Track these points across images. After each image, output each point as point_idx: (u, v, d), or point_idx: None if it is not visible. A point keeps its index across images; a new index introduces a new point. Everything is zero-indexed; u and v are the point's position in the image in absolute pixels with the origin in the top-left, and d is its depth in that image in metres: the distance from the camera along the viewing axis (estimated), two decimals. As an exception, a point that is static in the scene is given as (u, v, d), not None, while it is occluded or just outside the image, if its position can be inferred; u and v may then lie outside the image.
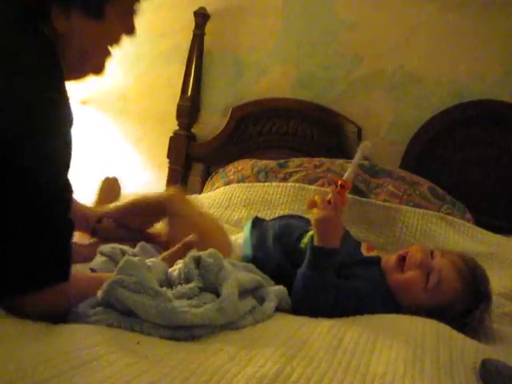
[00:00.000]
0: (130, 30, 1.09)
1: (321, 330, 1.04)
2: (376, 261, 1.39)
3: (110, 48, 1.09)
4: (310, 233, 1.31)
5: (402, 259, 1.36)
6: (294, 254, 1.36)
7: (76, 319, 0.95)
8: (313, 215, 1.30)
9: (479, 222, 2.09)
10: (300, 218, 1.62)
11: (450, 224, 1.94)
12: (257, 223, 1.55)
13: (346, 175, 1.39)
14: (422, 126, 2.41)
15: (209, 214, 1.42)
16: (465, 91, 2.38)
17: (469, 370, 0.99)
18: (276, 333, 1.00)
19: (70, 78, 1.04)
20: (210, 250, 1.12)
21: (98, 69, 1.10)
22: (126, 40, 1.10)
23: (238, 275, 1.10)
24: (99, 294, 0.97)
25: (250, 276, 1.17)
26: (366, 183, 2.10)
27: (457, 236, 1.86)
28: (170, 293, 0.99)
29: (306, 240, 1.35)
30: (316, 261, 1.24)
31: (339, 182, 1.34)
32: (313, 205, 1.33)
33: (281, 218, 1.66)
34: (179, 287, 1.03)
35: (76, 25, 0.99)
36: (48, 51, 0.95)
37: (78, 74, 1.09)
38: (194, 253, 1.12)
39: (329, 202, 1.31)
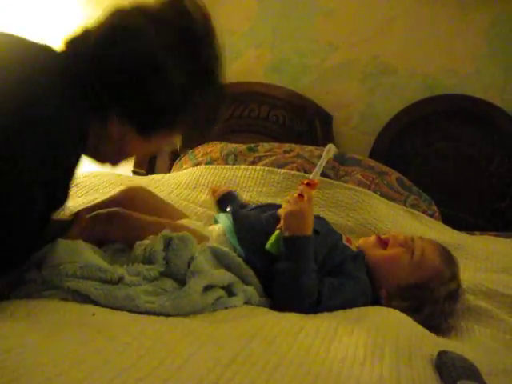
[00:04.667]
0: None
1: (283, 316, 1.03)
2: (362, 256, 1.37)
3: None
4: (276, 232, 1.27)
5: (382, 241, 1.36)
6: None
7: (29, 294, 0.93)
8: (283, 210, 1.26)
9: (444, 215, 2.11)
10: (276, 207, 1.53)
11: (416, 218, 1.96)
12: (236, 215, 1.38)
13: (312, 175, 1.37)
14: (393, 117, 2.42)
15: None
16: (437, 85, 2.40)
17: (426, 361, 0.99)
18: (237, 314, 0.99)
19: (93, 160, 1.12)
20: (184, 234, 1.08)
21: (118, 165, 1.17)
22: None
23: (214, 272, 1.06)
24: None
25: (227, 275, 1.10)
26: (334, 170, 2.10)
27: (423, 227, 1.87)
28: (123, 270, 0.97)
29: (271, 241, 1.26)
30: (289, 250, 1.20)
31: (305, 181, 1.32)
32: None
33: (260, 207, 1.55)
34: (136, 265, 1.01)
35: (126, 134, 1.06)
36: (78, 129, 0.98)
37: (100, 161, 1.14)
38: (166, 232, 1.08)
39: (299, 196, 1.28)
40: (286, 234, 1.22)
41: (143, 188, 1.50)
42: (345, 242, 1.37)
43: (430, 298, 1.28)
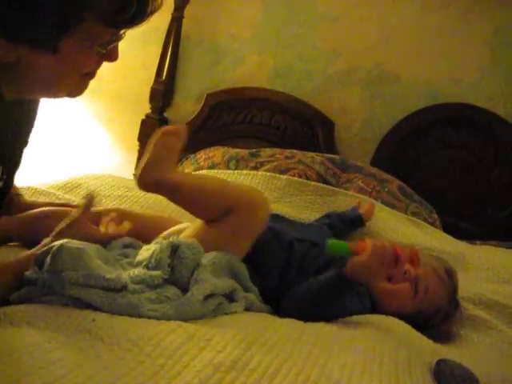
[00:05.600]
0: (109, 57, 1.01)
1: (283, 322, 1.04)
2: None
3: (83, 74, 1.02)
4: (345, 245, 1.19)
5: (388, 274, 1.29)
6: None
7: (28, 298, 0.93)
8: (365, 254, 1.13)
9: (445, 224, 2.11)
10: (281, 218, 1.50)
11: (417, 226, 1.96)
12: None
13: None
14: (396, 124, 2.42)
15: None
16: (440, 93, 2.40)
17: (426, 369, 0.99)
18: (237, 319, 0.99)
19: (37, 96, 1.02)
20: (192, 241, 1.08)
21: (73, 93, 1.04)
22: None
23: (217, 281, 1.05)
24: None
25: (229, 283, 1.09)
26: (336, 177, 2.10)
27: (424, 236, 1.87)
28: (126, 276, 0.97)
29: (338, 245, 1.20)
30: (337, 287, 1.15)
31: (410, 253, 1.23)
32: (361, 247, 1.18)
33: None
34: (141, 270, 1.01)
35: (24, 56, 0.92)
36: None
37: (47, 96, 1.05)
38: (174, 239, 1.08)
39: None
40: (347, 272, 1.14)
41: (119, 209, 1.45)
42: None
43: (426, 323, 1.29)
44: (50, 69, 0.95)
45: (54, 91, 1.03)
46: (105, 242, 1.15)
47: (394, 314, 1.25)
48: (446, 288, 1.34)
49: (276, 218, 1.45)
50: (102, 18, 0.92)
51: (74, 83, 1.02)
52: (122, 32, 0.98)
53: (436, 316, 1.31)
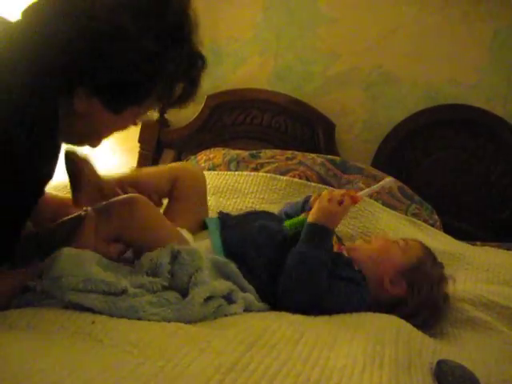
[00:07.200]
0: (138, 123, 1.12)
1: (282, 323, 1.03)
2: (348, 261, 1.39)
3: (108, 135, 1.11)
4: (302, 216, 1.33)
5: (366, 241, 1.46)
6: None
7: (28, 302, 0.93)
8: (318, 202, 1.30)
9: (446, 225, 2.11)
10: (269, 214, 1.52)
11: (417, 227, 1.96)
12: (224, 223, 1.40)
13: (361, 192, 1.41)
14: (396, 126, 2.42)
15: None
16: (439, 94, 2.40)
17: (426, 370, 0.99)
18: (237, 321, 0.99)
19: (67, 142, 1.09)
20: (193, 248, 1.09)
21: (96, 145, 1.12)
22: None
23: (215, 284, 1.06)
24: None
25: (226, 285, 1.10)
26: (336, 178, 2.10)
27: (425, 237, 1.87)
28: (126, 281, 0.97)
29: (293, 221, 1.34)
30: (308, 235, 1.25)
31: (352, 193, 1.35)
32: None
33: (249, 214, 1.52)
34: (140, 277, 1.01)
35: (94, 110, 0.98)
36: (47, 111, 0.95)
37: (76, 142, 1.11)
38: (174, 245, 1.08)
39: (340, 202, 1.30)
40: (311, 219, 1.27)
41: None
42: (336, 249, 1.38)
43: (426, 275, 1.35)
44: (105, 124, 1.05)
45: (90, 142, 1.10)
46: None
47: (390, 277, 1.32)
48: (423, 245, 1.45)
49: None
50: (157, 101, 1.06)
51: (105, 138, 1.12)
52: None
53: (431, 267, 1.38)
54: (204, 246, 1.32)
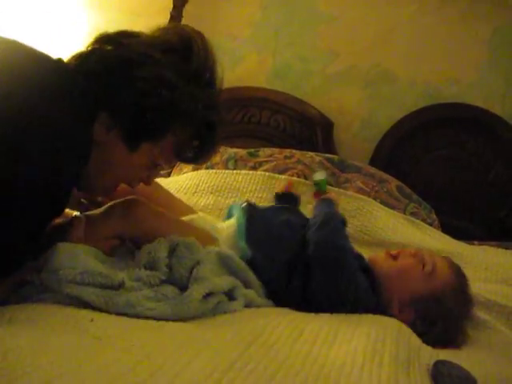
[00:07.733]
0: (147, 179, 1.12)
1: (282, 320, 1.03)
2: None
3: (123, 178, 1.10)
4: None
5: (392, 255, 1.34)
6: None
7: (27, 297, 0.93)
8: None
9: (444, 223, 2.11)
10: (295, 211, 1.51)
11: (416, 226, 1.96)
12: (251, 212, 1.38)
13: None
14: (394, 124, 2.42)
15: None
16: (438, 93, 2.40)
17: (424, 370, 0.99)
18: (236, 318, 0.99)
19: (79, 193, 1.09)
20: (190, 240, 1.08)
21: (109, 190, 1.11)
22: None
23: (216, 280, 1.05)
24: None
25: (229, 281, 1.09)
26: (334, 177, 2.10)
27: (423, 236, 1.88)
28: (123, 275, 0.96)
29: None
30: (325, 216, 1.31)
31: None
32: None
33: (277, 209, 1.50)
34: (137, 271, 1.01)
35: (111, 141, 1.01)
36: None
37: (88, 190, 1.10)
38: (171, 238, 1.07)
39: None
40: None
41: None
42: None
43: (444, 312, 1.25)
44: (119, 160, 1.04)
45: (101, 181, 1.08)
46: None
47: (403, 301, 1.25)
48: (455, 271, 1.33)
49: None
50: (174, 146, 1.07)
51: (116, 181, 1.10)
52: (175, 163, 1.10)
53: (452, 302, 1.27)
54: (225, 229, 1.35)
